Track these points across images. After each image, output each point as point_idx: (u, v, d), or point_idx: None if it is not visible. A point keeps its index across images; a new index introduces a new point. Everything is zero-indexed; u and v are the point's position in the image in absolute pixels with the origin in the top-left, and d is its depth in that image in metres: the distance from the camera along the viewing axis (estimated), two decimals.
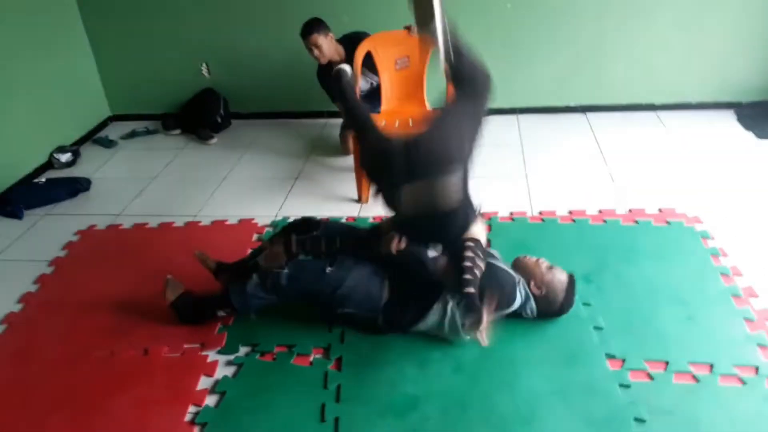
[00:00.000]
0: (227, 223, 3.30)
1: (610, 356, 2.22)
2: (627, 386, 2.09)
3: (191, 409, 2.13)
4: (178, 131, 4.49)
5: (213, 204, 3.53)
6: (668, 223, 3.02)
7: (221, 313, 2.46)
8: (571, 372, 2.16)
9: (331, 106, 4.28)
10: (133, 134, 4.50)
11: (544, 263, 2.38)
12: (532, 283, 2.33)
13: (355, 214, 3.31)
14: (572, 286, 2.33)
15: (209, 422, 2.05)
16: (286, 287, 2.27)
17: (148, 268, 2.93)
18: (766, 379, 2.09)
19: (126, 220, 3.43)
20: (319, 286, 2.29)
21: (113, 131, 4.64)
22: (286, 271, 2.28)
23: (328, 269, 2.30)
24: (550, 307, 2.34)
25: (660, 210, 3.14)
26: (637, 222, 3.05)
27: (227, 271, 2.61)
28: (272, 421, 2.05)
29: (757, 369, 2.13)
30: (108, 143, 4.38)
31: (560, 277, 2.34)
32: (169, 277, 2.51)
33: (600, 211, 3.17)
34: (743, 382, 2.09)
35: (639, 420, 1.96)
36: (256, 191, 3.64)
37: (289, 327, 2.45)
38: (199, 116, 4.39)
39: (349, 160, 3.67)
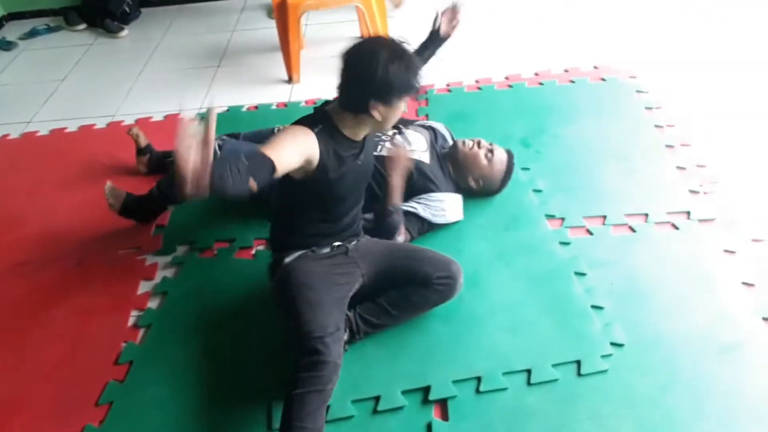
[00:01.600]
0: (152, 120, 3.09)
1: (550, 216, 2.24)
2: (567, 243, 2.13)
3: (134, 313, 2.07)
4: (83, 26, 4.10)
5: (132, 101, 3.29)
6: (603, 80, 2.99)
7: (170, 207, 2.36)
8: (513, 235, 2.18)
9: None
10: (33, 33, 4.09)
11: (483, 151, 2.25)
12: (470, 177, 2.26)
13: (286, 98, 3.15)
14: (511, 168, 2.27)
15: (153, 324, 2.00)
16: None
17: (73, 174, 2.76)
18: (697, 222, 2.16)
19: (41, 126, 3.18)
20: None
21: (10, 31, 4.20)
22: (218, 153, 2.13)
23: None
24: (486, 193, 2.31)
25: (595, 67, 3.10)
26: (573, 81, 3.00)
27: (149, 155, 2.61)
28: (219, 314, 2.02)
29: (688, 213, 2.20)
30: (6, 45, 3.97)
31: (500, 160, 2.25)
32: (108, 185, 2.34)
33: (536, 74, 3.10)
34: (676, 227, 2.15)
35: (579, 274, 2.01)
36: (178, 83, 3.41)
37: (227, 222, 2.37)
38: (104, 7, 3.98)
39: (274, 38, 3.41)
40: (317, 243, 1.82)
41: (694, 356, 1.74)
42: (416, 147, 2.26)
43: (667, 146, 2.52)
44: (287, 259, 1.79)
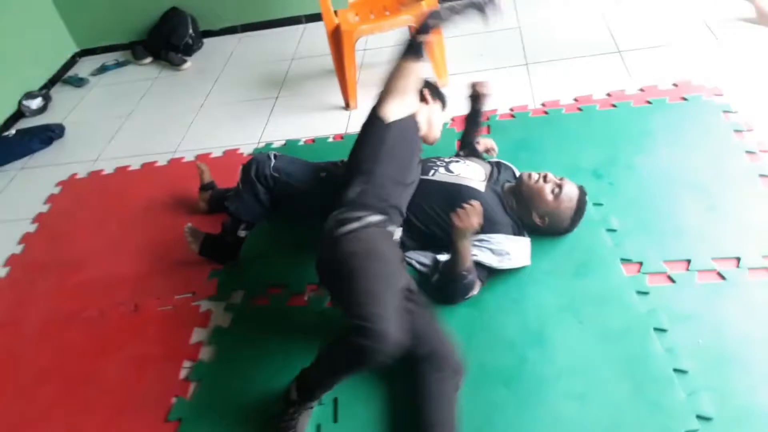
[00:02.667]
0: (211, 156, 3.09)
1: (626, 261, 2.03)
2: (645, 293, 1.92)
3: (186, 364, 2.03)
4: (149, 60, 4.19)
5: (193, 136, 3.31)
6: (685, 99, 2.73)
7: (241, 233, 2.31)
8: (583, 283, 1.99)
9: (309, 9, 3.96)
10: (103, 69, 4.21)
11: (549, 185, 2.08)
12: (534, 213, 2.10)
13: (343, 126, 3.08)
14: (582, 206, 2.09)
15: (203, 379, 1.96)
16: (270, 177, 2.17)
17: (134, 214, 2.79)
18: None
19: (106, 164, 3.25)
20: (309, 187, 2.18)
21: (83, 68, 4.34)
22: (272, 162, 2.19)
23: (322, 174, 2.20)
24: (553, 231, 2.14)
25: (675, 85, 2.84)
26: (650, 102, 2.75)
27: (212, 191, 2.65)
28: (270, 368, 1.94)
29: None
30: (78, 82, 4.11)
31: (569, 197, 2.07)
32: (187, 226, 2.36)
33: (609, 94, 2.87)
34: None
35: (659, 330, 1.80)
36: (237, 116, 3.39)
37: (280, 265, 2.31)
38: (168, 40, 4.05)
39: (329, 63, 3.33)
40: (391, 214, 1.86)
41: None
42: (473, 176, 2.14)
43: (761, 176, 2.24)
44: (372, 218, 1.81)
